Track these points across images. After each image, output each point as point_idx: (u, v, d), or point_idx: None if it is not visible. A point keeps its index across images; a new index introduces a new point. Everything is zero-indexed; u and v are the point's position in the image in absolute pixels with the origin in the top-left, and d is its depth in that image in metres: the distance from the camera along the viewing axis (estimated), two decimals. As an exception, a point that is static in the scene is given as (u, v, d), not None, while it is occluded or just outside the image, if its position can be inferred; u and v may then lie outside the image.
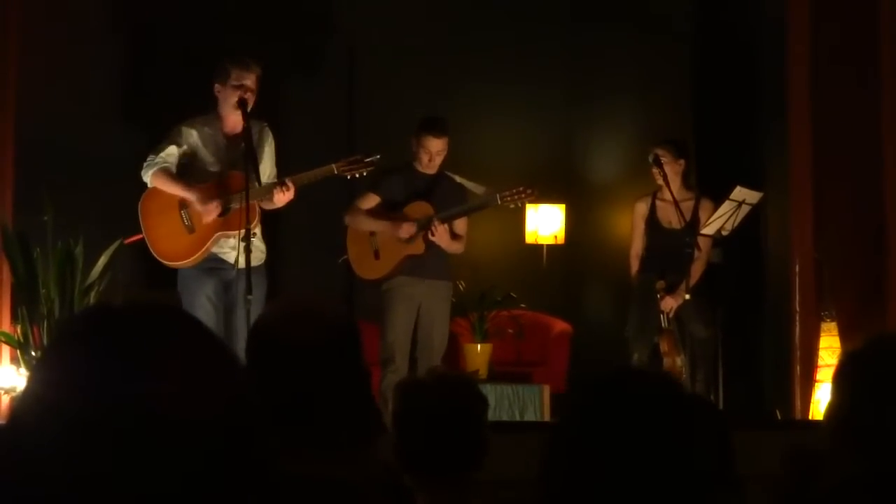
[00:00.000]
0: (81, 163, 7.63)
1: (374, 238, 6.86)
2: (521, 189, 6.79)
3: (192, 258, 6.12)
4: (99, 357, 1.07)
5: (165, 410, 1.05)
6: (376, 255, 6.84)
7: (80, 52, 7.82)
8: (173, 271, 6.23)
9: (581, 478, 1.64)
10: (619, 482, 1.61)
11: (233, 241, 6.10)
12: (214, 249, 6.14)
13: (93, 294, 6.57)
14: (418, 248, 6.76)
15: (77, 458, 1.02)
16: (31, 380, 1.09)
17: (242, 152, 6.03)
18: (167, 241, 6.16)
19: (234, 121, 6.15)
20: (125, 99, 8.15)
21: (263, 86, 6.21)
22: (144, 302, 1.13)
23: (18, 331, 6.46)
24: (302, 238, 8.31)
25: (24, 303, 6.47)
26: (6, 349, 6.51)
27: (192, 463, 1.04)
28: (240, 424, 1.09)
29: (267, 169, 6.23)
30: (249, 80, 6.09)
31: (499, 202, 6.80)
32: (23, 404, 1.07)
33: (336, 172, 6.21)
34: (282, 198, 6.06)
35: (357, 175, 6.27)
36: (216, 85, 6.15)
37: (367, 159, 6.26)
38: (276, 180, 6.15)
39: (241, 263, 5.98)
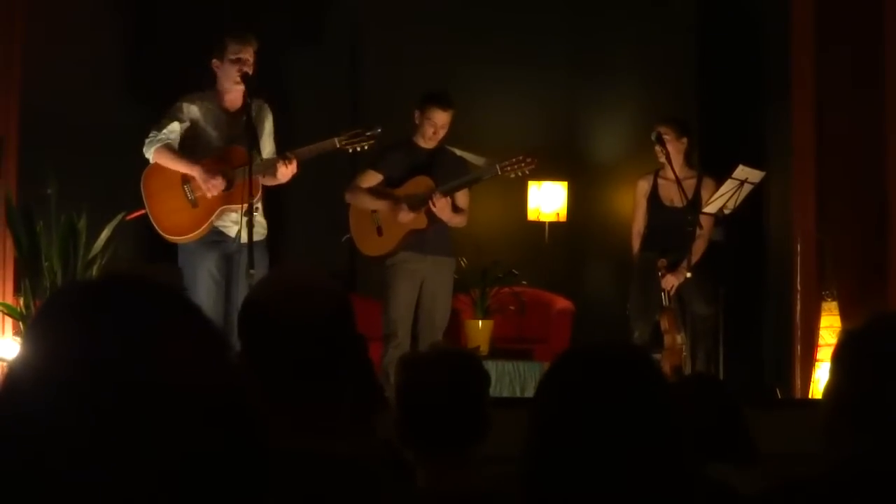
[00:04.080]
0: (85, 136, 7.64)
1: (377, 215, 6.87)
2: (520, 158, 6.79)
3: (196, 232, 6.13)
4: (86, 328, 1.08)
5: (153, 379, 1.06)
6: (379, 231, 6.85)
7: (84, 27, 7.82)
8: (176, 245, 6.24)
9: (555, 454, 1.66)
10: (594, 457, 1.63)
11: (235, 216, 6.11)
12: (217, 223, 6.16)
13: (95, 267, 6.59)
14: (421, 222, 6.77)
15: (69, 427, 1.03)
16: (22, 349, 1.10)
17: (243, 127, 6.03)
18: (171, 217, 6.17)
19: (233, 96, 6.15)
20: (129, 72, 8.14)
21: (266, 60, 6.21)
22: (129, 274, 1.14)
23: (21, 303, 6.49)
24: (305, 215, 8.32)
25: (27, 275, 6.49)
26: (9, 321, 6.53)
27: (184, 432, 1.05)
28: (230, 393, 1.10)
29: (267, 146, 6.23)
30: (247, 54, 6.08)
31: (499, 172, 6.81)
32: (15, 373, 1.08)
33: (338, 146, 6.21)
34: (285, 172, 6.06)
35: (359, 149, 6.27)
36: (214, 60, 6.15)
37: (369, 132, 6.26)
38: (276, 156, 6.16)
39: (244, 237, 6.00)
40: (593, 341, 1.82)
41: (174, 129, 6.15)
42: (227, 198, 6.10)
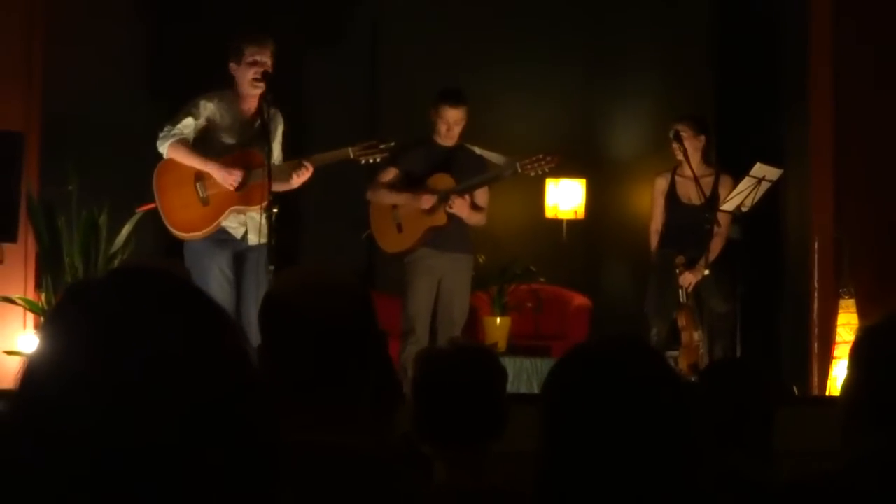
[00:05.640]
0: (106, 132, 7.67)
1: (397, 211, 6.89)
2: (541, 156, 6.78)
3: (205, 230, 6.14)
4: (96, 320, 1.11)
5: (161, 366, 1.09)
6: (399, 228, 6.87)
7: (105, 24, 7.85)
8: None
9: (563, 451, 1.67)
10: (602, 453, 1.63)
11: (242, 217, 6.15)
12: (224, 223, 6.17)
13: (116, 262, 6.61)
14: (440, 219, 6.78)
15: (80, 410, 1.07)
16: (39, 342, 1.14)
17: (257, 132, 6.05)
18: (181, 213, 6.18)
19: (250, 100, 6.17)
20: (150, 69, 8.18)
21: (285, 62, 6.22)
22: (139, 268, 1.17)
23: (43, 298, 6.53)
24: (324, 213, 8.34)
25: (49, 271, 6.52)
26: (30, 316, 6.57)
27: (191, 415, 1.08)
28: (240, 379, 1.12)
29: (275, 153, 6.24)
30: (264, 56, 6.09)
31: (518, 170, 6.80)
32: (33, 364, 1.11)
33: (352, 156, 6.24)
34: (297, 179, 6.09)
35: (372, 160, 6.31)
36: (231, 64, 6.15)
37: (383, 145, 6.29)
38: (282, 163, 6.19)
39: (250, 240, 6.07)
40: (597, 338, 1.84)
41: (188, 125, 6.17)
42: (238, 198, 6.12)
